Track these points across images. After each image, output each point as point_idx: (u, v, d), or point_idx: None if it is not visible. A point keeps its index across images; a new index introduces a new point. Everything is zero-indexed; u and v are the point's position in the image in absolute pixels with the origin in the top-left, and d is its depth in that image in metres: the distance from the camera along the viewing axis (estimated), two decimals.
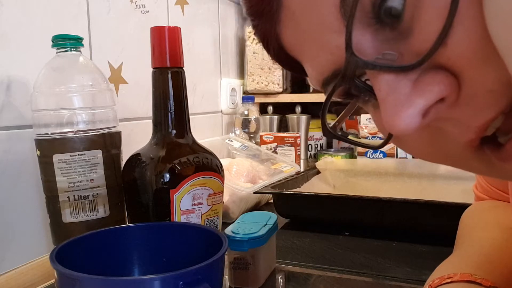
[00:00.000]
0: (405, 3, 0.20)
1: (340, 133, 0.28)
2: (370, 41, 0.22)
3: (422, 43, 0.20)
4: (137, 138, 0.81)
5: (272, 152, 1.12)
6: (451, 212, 0.57)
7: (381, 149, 1.13)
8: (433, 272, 0.39)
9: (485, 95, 0.20)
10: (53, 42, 0.50)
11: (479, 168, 0.25)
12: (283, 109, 1.39)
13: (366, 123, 1.20)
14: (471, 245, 0.42)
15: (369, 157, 1.13)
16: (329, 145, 1.43)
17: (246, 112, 1.24)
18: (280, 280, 0.55)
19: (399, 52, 0.22)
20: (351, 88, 0.25)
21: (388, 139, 0.26)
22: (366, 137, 1.19)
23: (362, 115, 1.21)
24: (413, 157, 1.10)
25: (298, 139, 1.17)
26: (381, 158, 1.11)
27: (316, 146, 1.41)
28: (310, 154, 1.40)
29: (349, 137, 0.29)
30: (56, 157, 0.48)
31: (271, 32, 0.28)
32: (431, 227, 0.66)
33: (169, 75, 0.50)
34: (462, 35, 0.19)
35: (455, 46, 0.20)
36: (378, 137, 1.16)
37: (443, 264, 0.40)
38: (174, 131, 0.51)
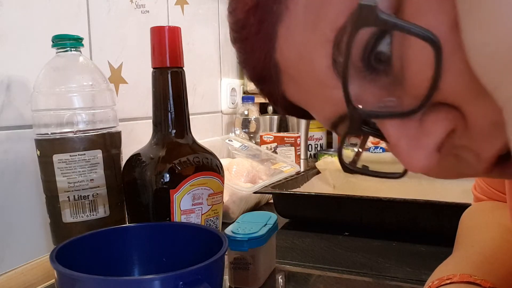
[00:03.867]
0: (391, 52, 0.21)
1: (360, 167, 0.29)
2: (369, 90, 0.23)
3: (418, 89, 0.21)
4: (137, 138, 0.81)
5: (272, 152, 1.12)
6: (451, 212, 0.57)
7: (381, 146, 1.14)
8: (433, 273, 0.39)
9: (489, 127, 0.21)
10: (53, 42, 0.50)
11: (498, 177, 0.25)
12: None
13: None
14: (471, 245, 0.42)
15: (372, 152, 1.14)
16: (329, 145, 1.43)
17: (246, 112, 1.24)
18: (280, 280, 0.55)
19: (398, 97, 0.23)
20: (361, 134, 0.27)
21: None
22: (368, 149, 1.19)
23: None
24: None
25: (298, 139, 1.17)
26: (381, 153, 1.12)
27: (316, 146, 1.41)
28: (310, 154, 1.40)
29: (370, 169, 0.29)
30: (56, 157, 0.48)
31: (276, 93, 0.29)
32: (431, 227, 0.66)
33: (169, 75, 0.50)
34: (453, 79, 0.20)
35: (448, 89, 0.20)
36: (381, 147, 1.16)
37: (442, 265, 0.40)
38: (174, 131, 0.51)
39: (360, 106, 0.23)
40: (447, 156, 0.24)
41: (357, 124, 0.24)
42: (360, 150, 0.30)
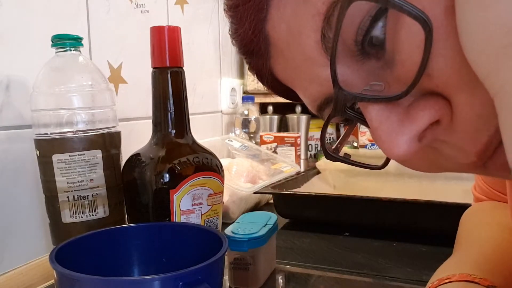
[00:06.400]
0: (385, 35, 0.21)
1: (342, 156, 0.29)
2: (357, 72, 0.23)
3: (406, 73, 0.21)
4: (137, 138, 0.81)
5: (272, 152, 1.12)
6: (452, 212, 0.57)
7: None
8: (434, 274, 0.39)
9: (476, 120, 0.21)
10: (52, 41, 0.50)
11: (482, 173, 0.25)
12: (283, 109, 1.39)
13: (365, 129, 1.19)
14: (470, 245, 0.42)
15: (369, 149, 1.14)
16: None
17: (246, 112, 1.24)
18: (280, 280, 0.55)
19: (386, 82, 0.22)
20: (344, 117, 0.26)
21: (388, 159, 0.26)
22: (365, 146, 1.19)
23: None
24: None
25: (298, 139, 1.17)
26: (377, 149, 1.12)
27: (316, 146, 1.40)
28: (310, 154, 1.40)
29: (351, 158, 0.29)
30: (55, 157, 0.48)
31: (263, 68, 0.29)
32: (432, 227, 0.66)
33: (169, 75, 0.50)
34: (443, 64, 0.20)
35: (438, 75, 0.20)
36: None
37: (443, 266, 0.40)
38: (174, 131, 0.51)
39: (346, 88, 0.22)
40: (428, 148, 0.23)
41: (341, 106, 0.23)
42: (347, 138, 0.30)
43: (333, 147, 0.29)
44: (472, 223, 0.48)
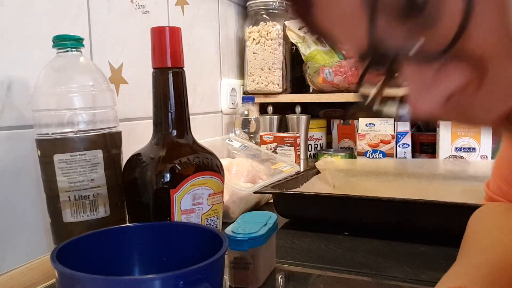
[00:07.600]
0: None
1: (377, 107, 0.29)
2: (397, 29, 0.23)
3: (447, 33, 0.21)
4: (138, 138, 0.81)
5: (272, 152, 1.12)
6: (450, 212, 0.58)
7: (381, 149, 1.10)
8: (440, 279, 0.36)
9: (509, 86, 0.21)
10: (53, 42, 0.50)
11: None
12: (283, 109, 1.39)
13: (365, 131, 1.12)
14: (480, 253, 0.40)
15: (369, 157, 1.12)
16: (329, 145, 1.43)
17: (246, 112, 1.24)
18: (280, 279, 0.55)
19: (425, 40, 0.23)
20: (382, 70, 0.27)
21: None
22: (365, 152, 1.11)
23: (360, 120, 1.14)
24: (412, 157, 1.10)
25: (298, 139, 1.17)
26: (380, 158, 1.10)
27: (316, 146, 1.41)
28: (310, 154, 1.40)
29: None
30: (56, 157, 0.48)
31: (307, 13, 0.29)
32: (431, 227, 0.66)
33: (170, 75, 0.50)
34: (483, 29, 0.20)
35: (476, 39, 0.21)
36: (380, 151, 1.10)
37: (451, 273, 0.37)
38: (175, 131, 0.51)
39: (386, 43, 0.23)
40: (455, 106, 0.24)
41: (378, 61, 0.24)
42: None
43: (366, 103, 0.29)
44: (484, 227, 0.44)
